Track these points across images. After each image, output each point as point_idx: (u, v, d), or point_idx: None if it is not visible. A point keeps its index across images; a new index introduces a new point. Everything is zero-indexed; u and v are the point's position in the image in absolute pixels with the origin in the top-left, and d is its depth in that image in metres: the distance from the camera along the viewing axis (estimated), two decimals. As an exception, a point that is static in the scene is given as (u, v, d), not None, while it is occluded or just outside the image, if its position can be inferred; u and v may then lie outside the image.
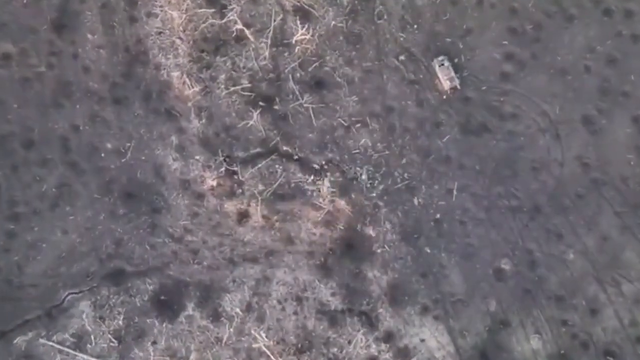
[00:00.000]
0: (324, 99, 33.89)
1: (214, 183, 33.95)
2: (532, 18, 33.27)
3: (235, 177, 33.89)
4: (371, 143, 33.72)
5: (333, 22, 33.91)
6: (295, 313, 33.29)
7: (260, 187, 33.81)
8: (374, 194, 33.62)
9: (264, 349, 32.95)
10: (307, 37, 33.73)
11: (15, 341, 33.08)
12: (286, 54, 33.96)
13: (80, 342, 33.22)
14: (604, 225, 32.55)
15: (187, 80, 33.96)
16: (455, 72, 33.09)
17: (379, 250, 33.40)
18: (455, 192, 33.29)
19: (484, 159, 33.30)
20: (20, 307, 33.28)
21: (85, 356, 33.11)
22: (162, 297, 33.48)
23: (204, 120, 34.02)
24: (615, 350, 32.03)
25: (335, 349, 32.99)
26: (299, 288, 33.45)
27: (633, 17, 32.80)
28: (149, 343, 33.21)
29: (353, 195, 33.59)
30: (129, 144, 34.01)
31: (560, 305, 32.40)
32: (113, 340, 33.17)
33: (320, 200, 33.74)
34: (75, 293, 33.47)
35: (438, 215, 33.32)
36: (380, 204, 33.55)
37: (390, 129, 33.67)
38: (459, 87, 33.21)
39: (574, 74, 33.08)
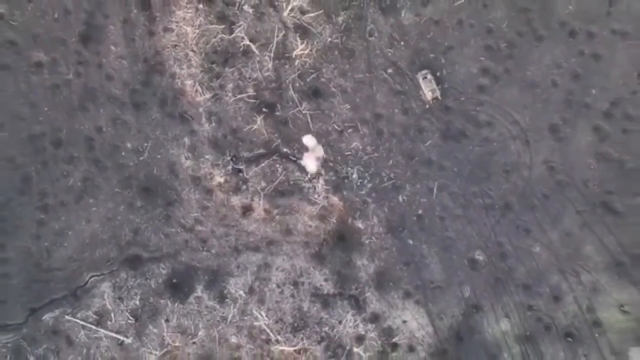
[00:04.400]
0: (320, 107, 35.51)
1: (222, 180, 35.49)
2: (506, 37, 35.09)
3: (241, 174, 35.39)
4: (361, 146, 35.32)
5: (329, 39, 35.55)
6: (292, 296, 34.95)
7: (263, 184, 35.44)
8: (364, 192, 35.23)
9: (264, 327, 34.63)
10: (306, 51, 35.36)
11: (43, 317, 34.89)
12: (287, 66, 35.55)
13: (101, 319, 34.97)
14: (567, 222, 34.29)
15: (199, 88, 35.56)
16: (437, 84, 34.76)
17: (367, 242, 35.06)
18: (435, 191, 34.91)
19: (462, 162, 34.94)
20: (48, 288, 35.02)
21: (105, 331, 34.73)
22: (175, 281, 35.07)
23: (213, 124, 35.58)
24: (574, 332, 33.76)
25: (327, 328, 34.62)
26: (295, 274, 35.05)
27: (594, 39, 34.79)
28: (163, 320, 34.87)
29: (345, 193, 35.23)
30: (146, 144, 35.65)
31: (527, 292, 34.18)
32: (130, 317, 34.87)
33: (316, 196, 35.37)
34: (97, 276, 35.19)
35: (420, 211, 34.98)
36: (369, 200, 35.16)
37: (379, 134, 35.32)
38: (440, 97, 34.93)
39: (542, 87, 34.89)
